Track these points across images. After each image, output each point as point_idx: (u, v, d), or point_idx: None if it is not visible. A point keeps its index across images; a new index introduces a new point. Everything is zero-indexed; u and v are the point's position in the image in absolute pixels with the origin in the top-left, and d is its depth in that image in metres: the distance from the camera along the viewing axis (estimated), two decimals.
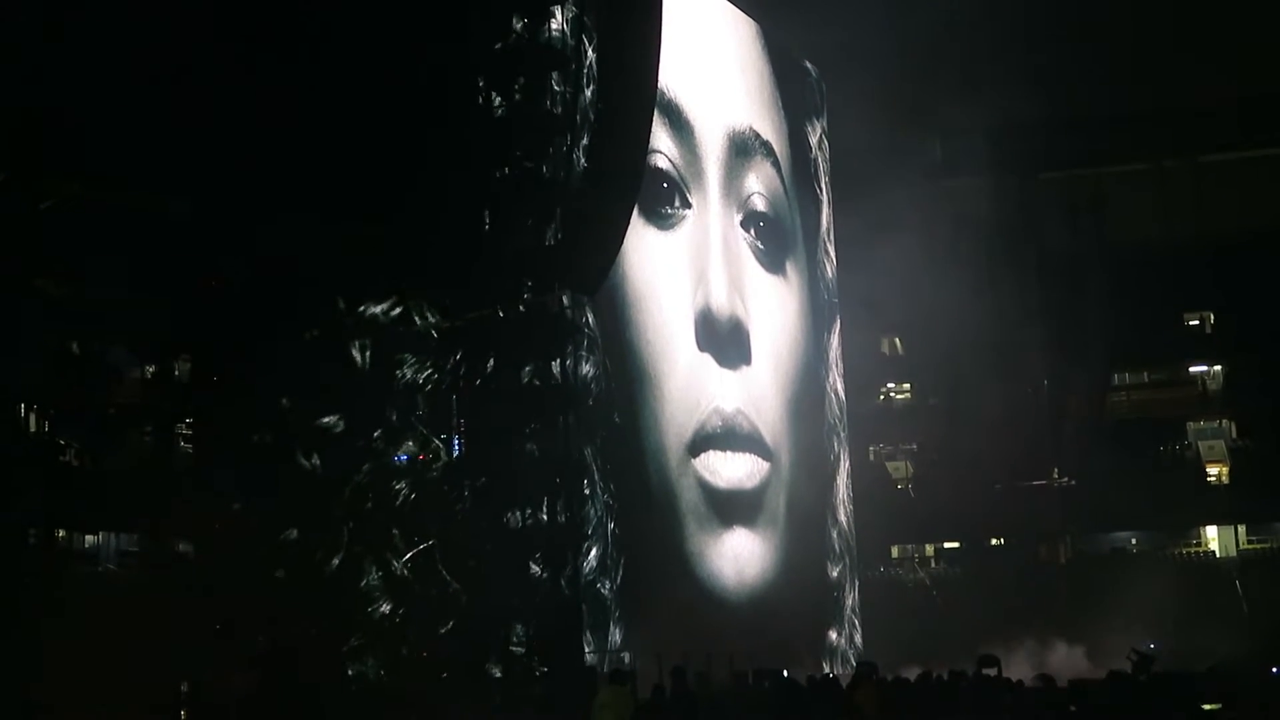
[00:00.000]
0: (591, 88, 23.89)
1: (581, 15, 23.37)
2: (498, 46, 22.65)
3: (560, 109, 23.12)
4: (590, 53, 23.57)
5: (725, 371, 30.22)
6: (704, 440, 29.38)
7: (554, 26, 23.79)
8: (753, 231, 32.00)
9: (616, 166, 22.32)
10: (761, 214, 32.46)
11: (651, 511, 27.84)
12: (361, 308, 21.39)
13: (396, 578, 21.16)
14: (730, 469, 30.05)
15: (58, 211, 19.00)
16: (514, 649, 21.33)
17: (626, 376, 27.58)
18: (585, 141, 23.88)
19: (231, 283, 20.75)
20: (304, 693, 18.41)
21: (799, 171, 35.59)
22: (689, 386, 29.20)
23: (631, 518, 26.59)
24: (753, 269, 32.16)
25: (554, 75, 23.05)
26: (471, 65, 22.17)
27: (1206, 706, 15.54)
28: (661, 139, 28.02)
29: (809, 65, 37.46)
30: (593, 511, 25.33)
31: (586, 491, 25.07)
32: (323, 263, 20.86)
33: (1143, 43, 39.35)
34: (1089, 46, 38.94)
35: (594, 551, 25.22)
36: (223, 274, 20.75)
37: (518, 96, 22.62)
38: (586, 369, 25.63)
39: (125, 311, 20.09)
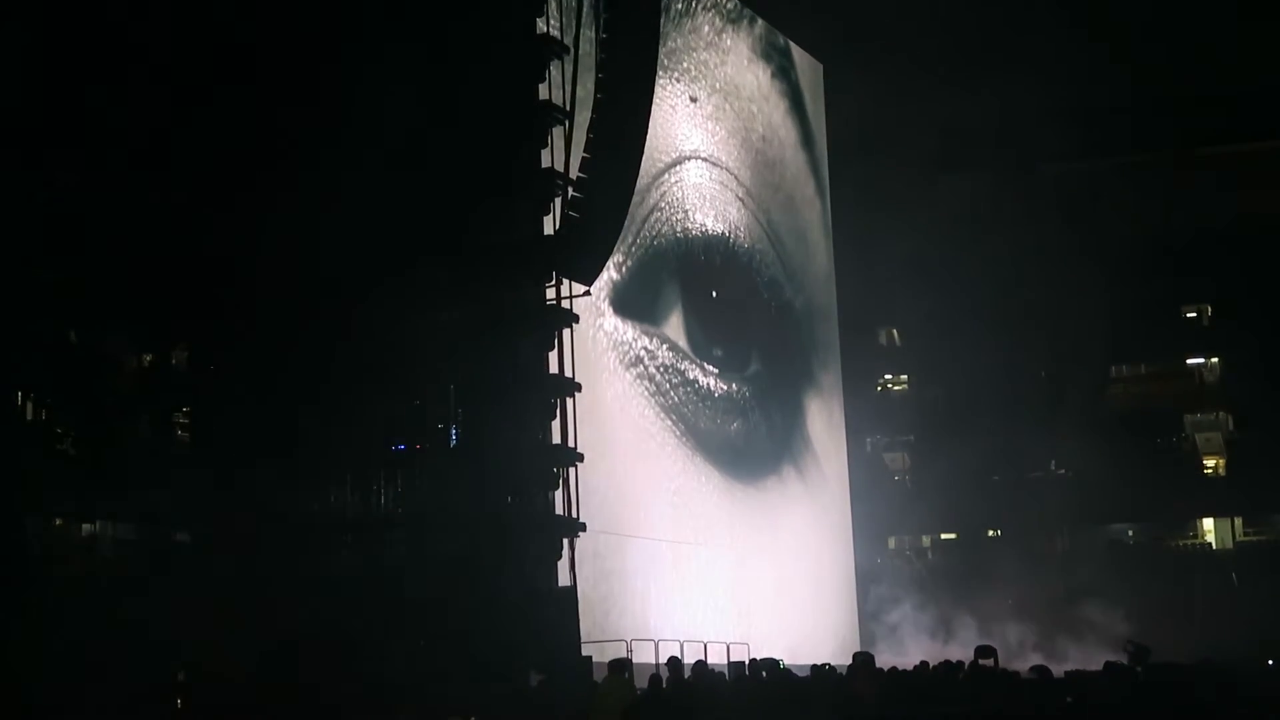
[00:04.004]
0: (587, 75, 23.78)
1: (579, 5, 23.28)
2: (496, 38, 22.56)
3: (557, 99, 23.01)
4: (584, 33, 23.45)
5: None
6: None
7: (552, 15, 23.73)
8: None
9: (614, 157, 22.21)
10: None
11: (640, 499, 27.76)
12: (354, 297, 21.29)
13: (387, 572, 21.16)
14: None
15: (57, 199, 19.00)
16: (510, 641, 21.23)
17: None
18: (584, 131, 23.78)
19: (229, 274, 20.72)
20: (299, 687, 18.40)
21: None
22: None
23: (619, 506, 26.48)
24: None
25: (551, 65, 22.96)
26: (468, 57, 22.09)
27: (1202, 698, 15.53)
28: None
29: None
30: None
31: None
32: (315, 254, 20.81)
33: (1142, 35, 39.29)
34: (1089, 39, 38.87)
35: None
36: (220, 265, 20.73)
37: (515, 87, 22.52)
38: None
39: (124, 300, 20.07)
